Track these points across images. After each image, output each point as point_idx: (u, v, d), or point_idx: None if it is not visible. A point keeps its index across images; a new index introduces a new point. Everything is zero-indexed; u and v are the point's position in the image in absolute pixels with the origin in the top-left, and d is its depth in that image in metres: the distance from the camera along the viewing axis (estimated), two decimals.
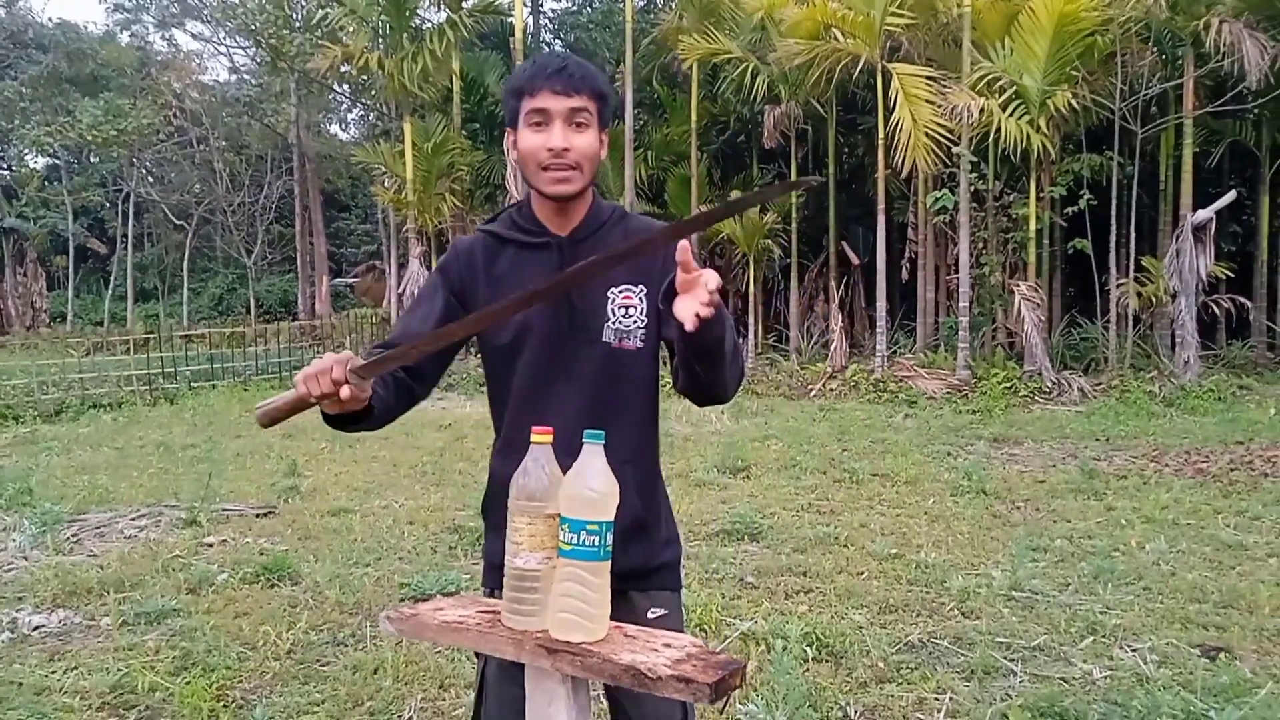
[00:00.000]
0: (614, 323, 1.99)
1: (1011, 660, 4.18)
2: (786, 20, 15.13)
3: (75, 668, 4.20)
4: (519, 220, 2.09)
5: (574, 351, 1.99)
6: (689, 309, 1.64)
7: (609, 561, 1.61)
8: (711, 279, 1.63)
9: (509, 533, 1.67)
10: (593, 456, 1.63)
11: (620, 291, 1.99)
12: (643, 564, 2.03)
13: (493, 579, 2.03)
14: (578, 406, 1.96)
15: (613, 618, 1.76)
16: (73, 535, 6.45)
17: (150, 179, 33.57)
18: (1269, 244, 16.68)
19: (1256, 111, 15.12)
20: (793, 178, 18.29)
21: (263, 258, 33.86)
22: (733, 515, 6.57)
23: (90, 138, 26.80)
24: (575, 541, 1.59)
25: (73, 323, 32.34)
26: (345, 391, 1.74)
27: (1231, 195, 14.52)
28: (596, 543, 1.59)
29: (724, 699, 1.49)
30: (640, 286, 1.98)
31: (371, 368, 1.77)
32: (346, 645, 4.47)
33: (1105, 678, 3.99)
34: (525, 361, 2.02)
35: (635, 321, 2.00)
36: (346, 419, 1.87)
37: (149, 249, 35.66)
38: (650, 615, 2.03)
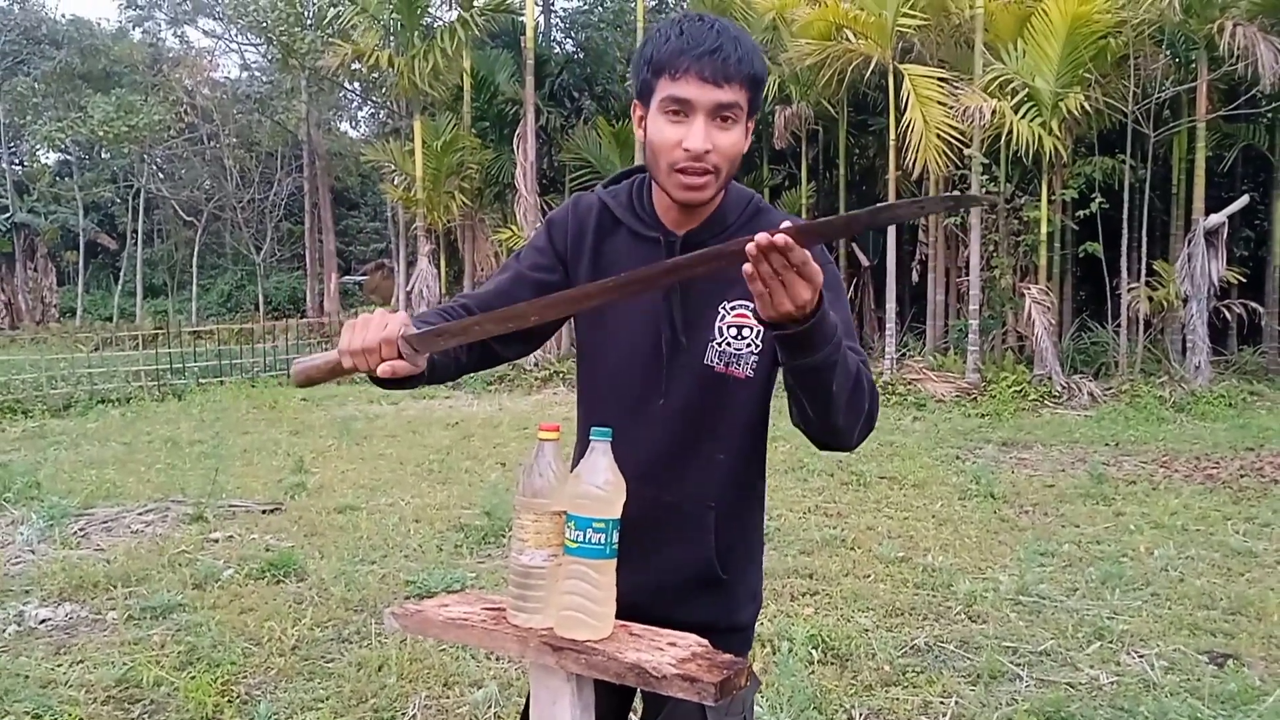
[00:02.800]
0: (721, 343, 1.69)
1: (1018, 665, 4.16)
2: (798, 21, 15.09)
3: (81, 661, 4.21)
4: (636, 205, 1.79)
5: (670, 370, 1.72)
6: (762, 309, 1.38)
7: (615, 559, 1.60)
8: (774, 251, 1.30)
9: (514, 529, 1.66)
10: (599, 454, 1.62)
11: (734, 308, 1.68)
12: (710, 623, 1.72)
13: None
14: (670, 435, 1.72)
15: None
16: (80, 529, 6.46)
17: (161, 175, 33.67)
18: None
19: (1270, 115, 15.05)
20: (804, 178, 18.27)
21: (272, 255, 33.94)
22: None
23: (102, 134, 26.88)
24: (581, 539, 1.58)
25: (82, 318, 32.42)
26: (387, 368, 1.55)
27: (1244, 200, 14.47)
28: (602, 540, 1.58)
29: (729, 698, 1.48)
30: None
31: (427, 341, 1.57)
32: (351, 642, 4.47)
33: (1112, 683, 3.97)
34: (611, 371, 1.79)
35: (748, 345, 1.69)
36: (395, 382, 1.63)
37: (159, 245, 35.76)
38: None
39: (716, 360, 1.69)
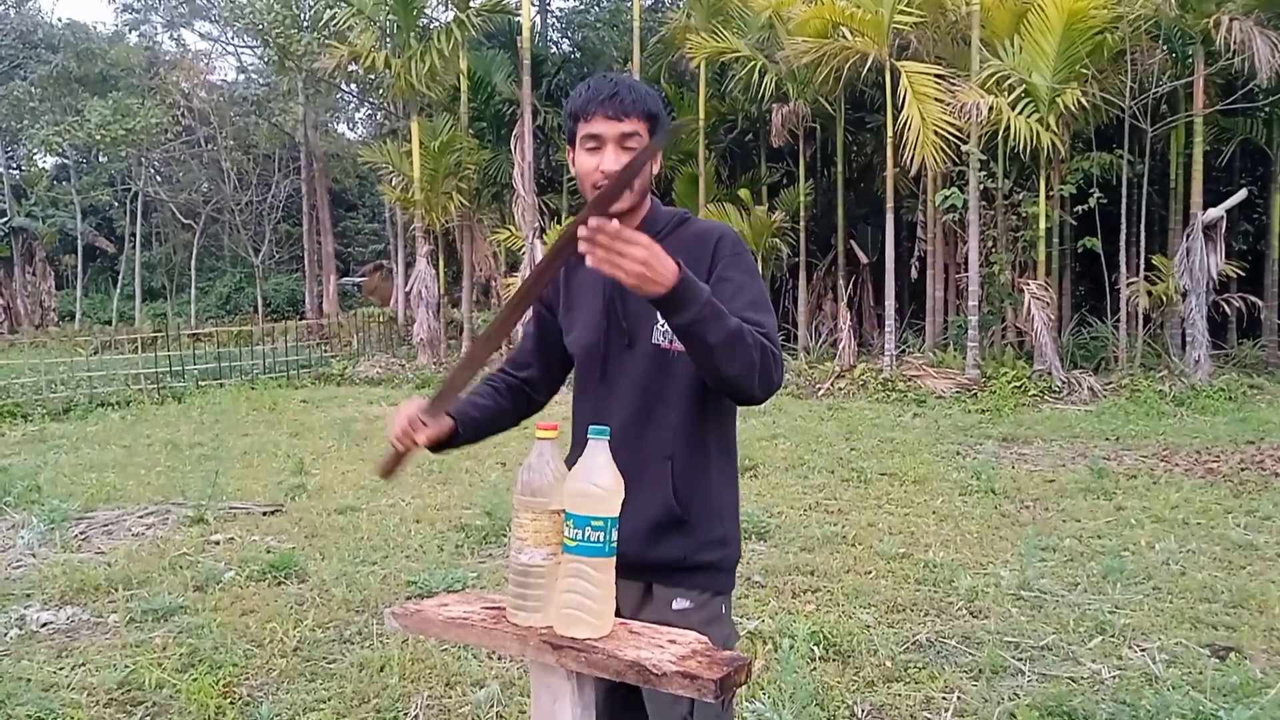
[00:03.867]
0: (662, 326, 2.00)
1: (1020, 660, 4.16)
2: (795, 18, 15.09)
3: (83, 664, 4.20)
4: None
5: (621, 355, 2.08)
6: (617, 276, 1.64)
7: (614, 558, 1.60)
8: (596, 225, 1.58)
9: (513, 528, 1.66)
10: (597, 452, 1.62)
11: None
12: (678, 559, 2.04)
13: None
14: (629, 405, 2.06)
15: (630, 613, 1.92)
16: (80, 533, 6.46)
17: (158, 178, 33.66)
18: None
19: (1267, 109, 15.05)
20: (801, 176, 18.27)
21: (270, 257, 33.94)
22: (740, 514, 6.54)
23: (99, 137, 26.87)
24: (580, 537, 1.58)
25: (81, 321, 32.42)
26: (422, 438, 1.98)
27: (1242, 194, 14.47)
28: (601, 539, 1.58)
29: (729, 695, 1.48)
30: None
31: (437, 405, 1.99)
32: (353, 643, 4.47)
33: (1114, 677, 3.97)
34: (580, 364, 2.19)
35: None
36: (446, 444, 2.11)
37: (157, 248, 35.76)
38: (674, 606, 2.03)
39: (661, 339, 2.03)
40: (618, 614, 1.77)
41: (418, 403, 1.97)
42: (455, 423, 2.08)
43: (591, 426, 1.66)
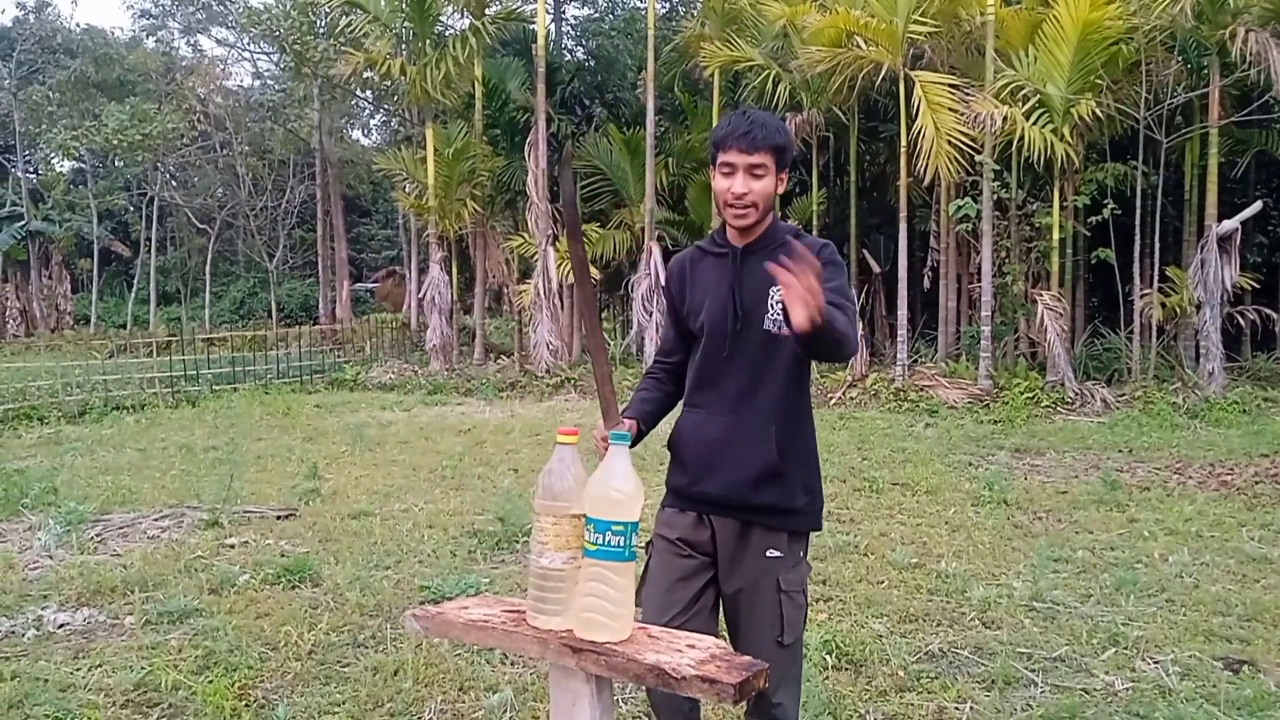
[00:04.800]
0: (773, 315, 2.49)
1: (1033, 671, 4.16)
2: (809, 28, 15.11)
3: (99, 665, 4.24)
4: (715, 238, 2.68)
5: (738, 336, 2.53)
6: (796, 317, 2.08)
7: (634, 562, 1.62)
8: (800, 281, 2.05)
9: (534, 532, 1.68)
10: (618, 458, 1.64)
11: (777, 290, 2.39)
12: (773, 504, 2.51)
13: (669, 499, 2.71)
14: (744, 378, 2.53)
15: (727, 551, 2.51)
16: (96, 535, 6.51)
17: (174, 183, 33.89)
18: None
19: None
20: (814, 185, 18.29)
21: (284, 262, 34.12)
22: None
23: (115, 142, 27.06)
24: (600, 542, 1.60)
25: (96, 325, 32.62)
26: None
27: (1257, 205, 14.42)
28: (621, 543, 1.60)
29: (747, 699, 1.50)
30: None
31: (610, 420, 2.48)
32: (367, 647, 4.49)
33: (1127, 689, 3.96)
34: (706, 343, 2.60)
35: (784, 316, 2.40)
36: (636, 440, 2.60)
37: (172, 253, 35.99)
38: (768, 555, 2.50)
39: (771, 326, 2.50)
40: (714, 551, 2.53)
41: (600, 426, 2.46)
42: (637, 422, 2.62)
43: (611, 433, 1.69)
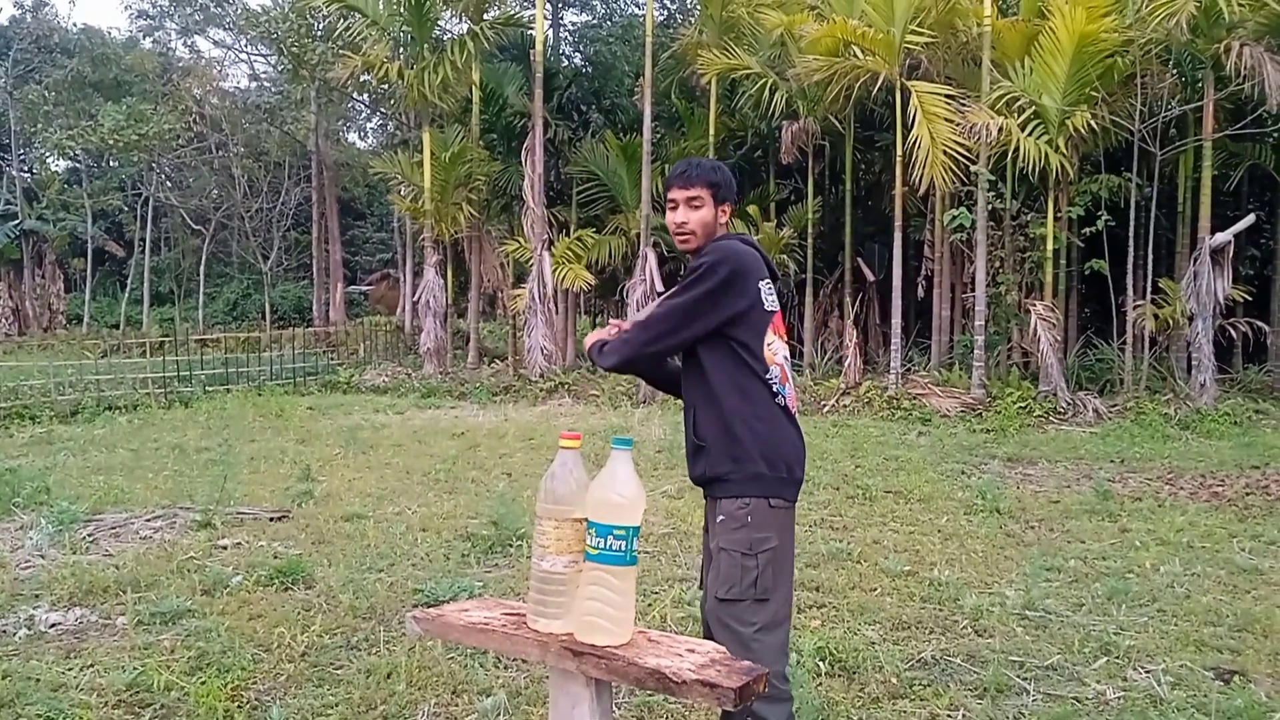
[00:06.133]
0: None
1: (1024, 679, 4.17)
2: (806, 37, 15.15)
3: (91, 665, 4.23)
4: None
5: None
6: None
7: (635, 566, 1.63)
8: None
9: (536, 536, 1.69)
10: (620, 463, 1.65)
11: None
12: (702, 474, 2.81)
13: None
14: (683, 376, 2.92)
15: (707, 523, 2.81)
16: (89, 535, 6.49)
17: (169, 184, 33.84)
18: None
19: (1276, 135, 15.08)
20: (810, 193, 18.34)
21: (278, 264, 34.07)
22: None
23: (111, 142, 27.03)
24: (602, 546, 1.61)
25: (89, 325, 32.54)
26: None
27: (1250, 219, 14.47)
28: (623, 548, 1.61)
29: (747, 703, 1.51)
30: None
31: None
32: (360, 650, 4.49)
33: (1118, 698, 3.98)
34: None
35: None
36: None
37: (166, 253, 35.92)
38: (717, 519, 2.74)
39: None
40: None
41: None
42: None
43: (615, 438, 1.71)
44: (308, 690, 4.02)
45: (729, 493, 2.77)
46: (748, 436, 2.76)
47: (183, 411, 14.36)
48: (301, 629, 4.67)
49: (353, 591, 5.26)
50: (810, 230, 18.11)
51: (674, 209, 2.92)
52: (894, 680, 4.11)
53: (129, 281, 33.93)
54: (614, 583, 1.61)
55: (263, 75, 35.55)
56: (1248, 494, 8.28)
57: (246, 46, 33.54)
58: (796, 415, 2.90)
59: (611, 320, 2.91)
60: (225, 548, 6.27)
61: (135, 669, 4.13)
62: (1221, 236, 13.64)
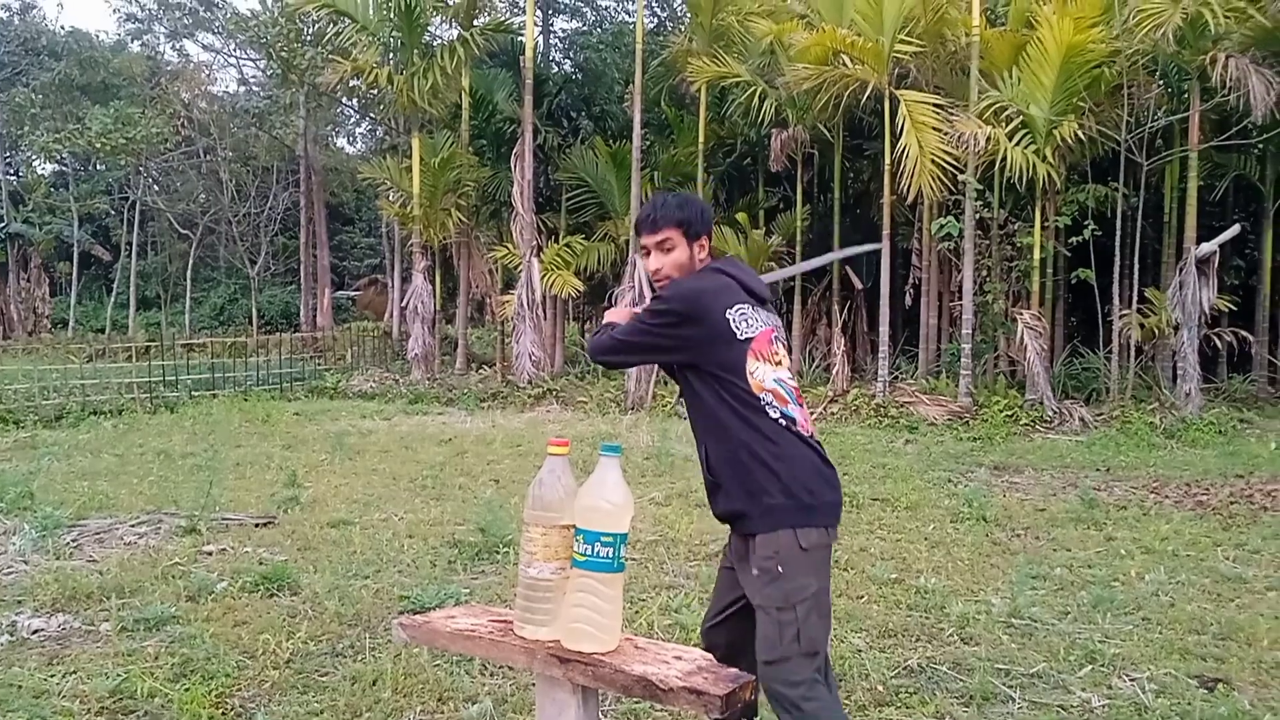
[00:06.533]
0: None
1: (1010, 687, 4.18)
2: (795, 45, 15.20)
3: (74, 672, 4.20)
4: None
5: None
6: None
7: (622, 573, 1.63)
8: None
9: (523, 543, 1.69)
10: (608, 469, 1.65)
11: None
12: (724, 511, 2.75)
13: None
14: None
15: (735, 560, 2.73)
16: (72, 540, 6.45)
17: (156, 188, 33.71)
18: (1272, 278, 16.72)
19: (1261, 146, 15.19)
20: (799, 201, 18.38)
21: (266, 269, 33.94)
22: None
23: (98, 145, 26.92)
24: (589, 553, 1.60)
25: (74, 329, 32.35)
26: None
27: (1235, 229, 14.56)
28: (610, 554, 1.61)
29: (734, 710, 1.50)
30: None
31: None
32: (345, 656, 4.47)
33: (1104, 706, 3.99)
34: None
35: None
36: None
37: (152, 257, 35.75)
38: (751, 573, 2.64)
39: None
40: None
41: None
42: None
43: (603, 444, 1.71)
44: (292, 697, 4.00)
45: (752, 529, 2.69)
46: (756, 466, 2.68)
47: (168, 417, 14.29)
48: (287, 635, 4.65)
49: (338, 598, 5.24)
50: (799, 238, 18.15)
51: (646, 255, 2.89)
52: (880, 688, 4.12)
53: (115, 286, 33.76)
54: (602, 590, 1.60)
55: (251, 80, 35.50)
56: (1232, 503, 8.33)
57: (235, 51, 33.48)
58: (813, 436, 2.78)
59: (624, 306, 2.96)
60: (210, 554, 6.24)
61: (119, 676, 4.10)
62: (1207, 247, 13.72)
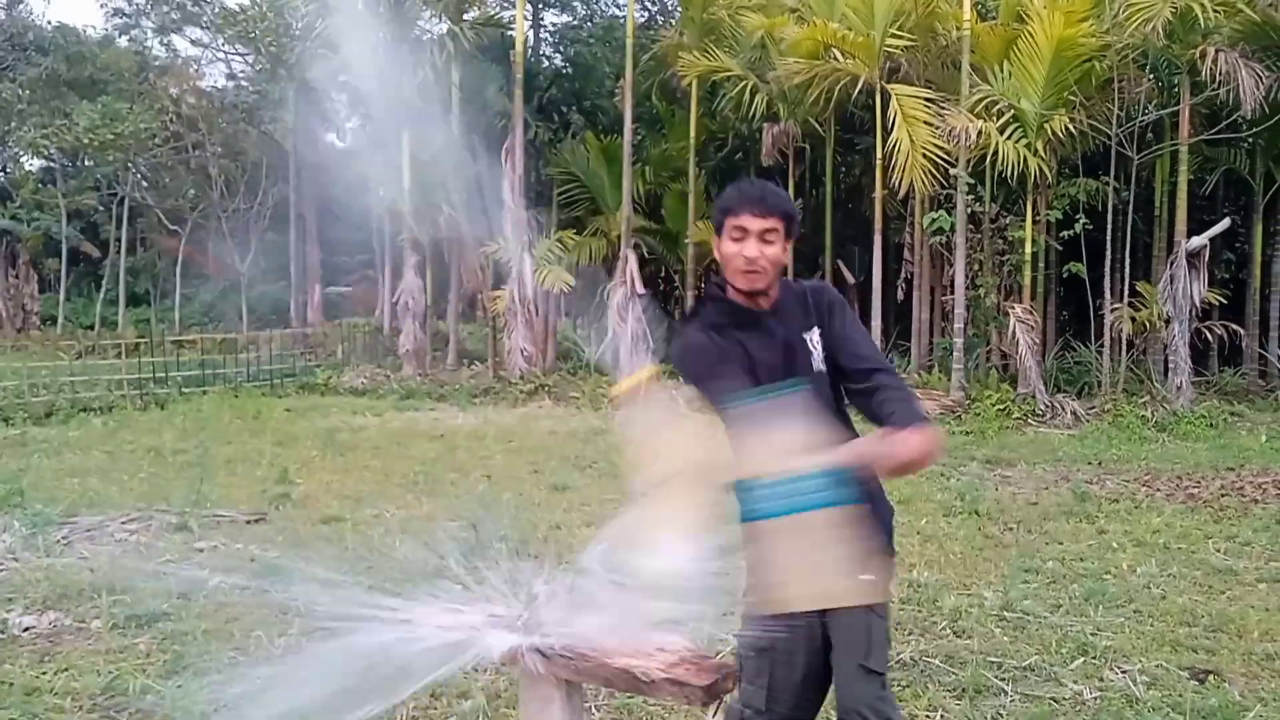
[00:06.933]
0: (815, 362, 2.60)
1: (1003, 680, 4.19)
2: (787, 39, 15.20)
3: (66, 669, 4.18)
4: (729, 311, 2.63)
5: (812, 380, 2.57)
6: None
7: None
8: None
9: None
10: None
11: (810, 335, 2.62)
12: (880, 545, 2.56)
13: None
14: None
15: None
16: (63, 538, 6.43)
17: (145, 184, 33.50)
18: (1262, 271, 16.78)
19: (1251, 140, 15.24)
20: (790, 195, 18.34)
21: (256, 265, 33.78)
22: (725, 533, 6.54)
23: (86, 141, 26.76)
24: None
25: (63, 326, 32.17)
26: None
27: (1226, 223, 14.62)
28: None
29: (717, 702, 1.50)
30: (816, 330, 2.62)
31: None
32: None
33: (1095, 698, 4.00)
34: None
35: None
36: None
37: (142, 254, 35.56)
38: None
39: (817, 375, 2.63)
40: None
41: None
42: None
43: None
44: None
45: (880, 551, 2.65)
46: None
47: (159, 413, 14.23)
48: (279, 632, 4.63)
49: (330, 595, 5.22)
50: None
51: (741, 239, 2.51)
52: None
53: (104, 282, 33.57)
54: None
55: (240, 74, 35.24)
56: (1223, 495, 8.36)
57: (224, 45, 33.26)
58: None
59: None
60: (201, 550, 6.22)
61: (110, 673, 4.09)
62: (1197, 240, 13.77)
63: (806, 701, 2.70)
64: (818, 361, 2.58)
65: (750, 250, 2.49)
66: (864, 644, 2.53)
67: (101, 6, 33.66)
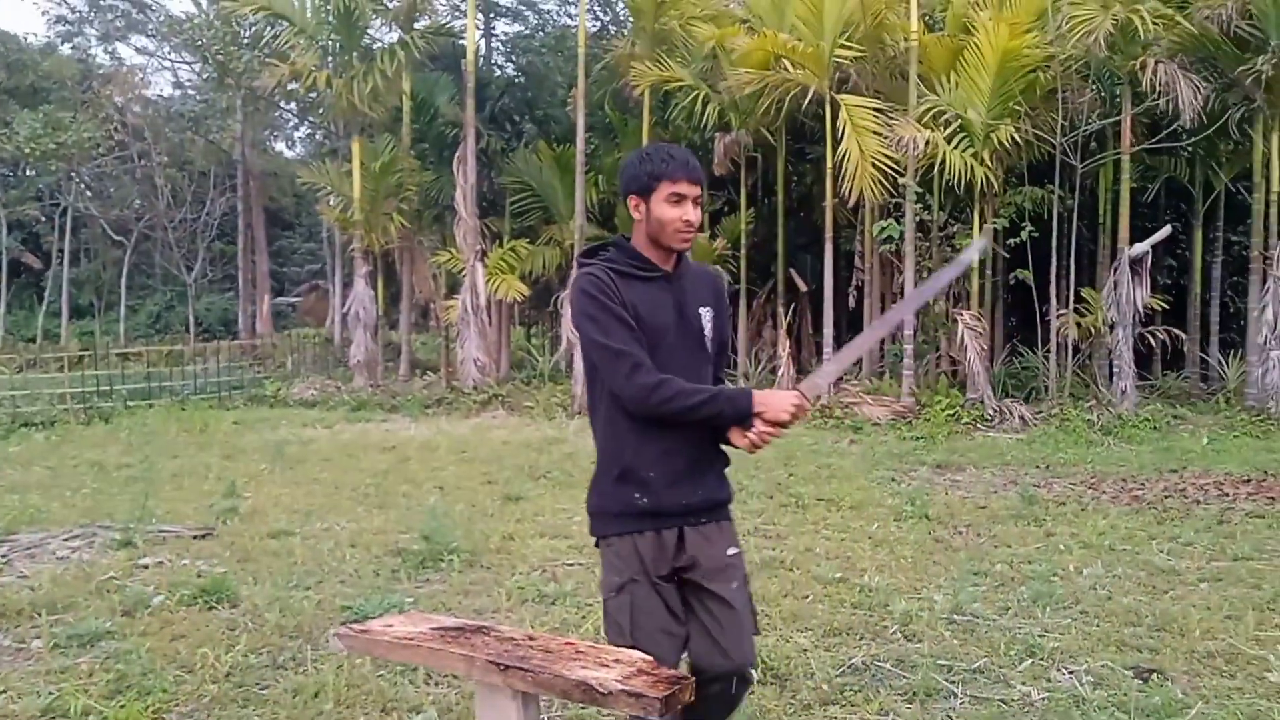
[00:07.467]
0: (707, 332, 2.85)
1: (952, 682, 4.23)
2: (737, 50, 15.29)
3: (4, 691, 4.09)
4: (632, 260, 2.79)
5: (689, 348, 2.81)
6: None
7: None
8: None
9: None
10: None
11: (706, 310, 2.86)
12: (722, 498, 2.92)
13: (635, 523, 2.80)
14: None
15: (709, 556, 2.76)
16: (2, 555, 6.28)
17: (89, 194, 32.90)
18: (1202, 277, 17.15)
19: (1190, 149, 15.57)
20: (743, 204, 18.47)
21: (203, 275, 33.29)
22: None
23: (28, 150, 26.23)
24: None
25: (4, 339, 31.43)
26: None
27: (1167, 230, 14.92)
28: None
29: (672, 712, 1.50)
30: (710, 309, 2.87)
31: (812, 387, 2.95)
32: (286, 669, 4.38)
33: (1043, 699, 4.05)
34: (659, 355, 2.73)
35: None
36: None
37: (86, 265, 34.87)
38: (728, 552, 2.86)
39: (708, 343, 2.89)
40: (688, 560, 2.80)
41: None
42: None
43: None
44: (232, 711, 3.92)
45: (729, 513, 2.94)
46: (606, 465, 2.86)
47: (103, 427, 13.97)
48: (226, 649, 4.56)
49: (279, 610, 5.15)
50: (744, 241, 18.24)
51: (679, 202, 2.71)
52: (825, 687, 4.14)
53: (46, 294, 32.89)
54: None
55: (187, 83, 34.81)
56: (1166, 497, 8.52)
57: (170, 54, 32.82)
58: None
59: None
60: (146, 567, 6.11)
61: (51, 694, 4.00)
62: (1140, 247, 14.05)
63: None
64: (707, 334, 2.82)
65: (691, 214, 2.71)
66: None
67: (44, 14, 33.10)
